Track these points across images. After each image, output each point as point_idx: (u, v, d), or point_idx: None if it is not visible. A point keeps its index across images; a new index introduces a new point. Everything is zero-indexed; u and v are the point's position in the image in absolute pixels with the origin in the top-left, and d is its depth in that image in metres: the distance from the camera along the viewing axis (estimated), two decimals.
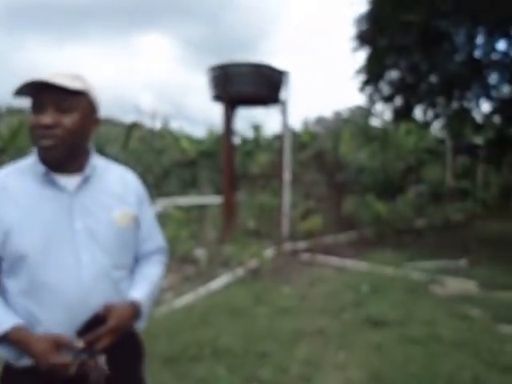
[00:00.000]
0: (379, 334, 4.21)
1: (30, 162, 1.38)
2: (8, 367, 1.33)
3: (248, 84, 9.09)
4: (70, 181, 1.37)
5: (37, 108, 1.30)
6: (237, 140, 22.46)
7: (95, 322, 1.28)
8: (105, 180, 1.46)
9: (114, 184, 1.48)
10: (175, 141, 21.49)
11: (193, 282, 6.38)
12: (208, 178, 20.89)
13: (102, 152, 17.20)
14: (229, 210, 9.93)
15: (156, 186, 19.38)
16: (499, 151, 12.29)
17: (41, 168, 1.34)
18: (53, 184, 1.35)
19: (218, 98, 9.68)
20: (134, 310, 1.39)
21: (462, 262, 7.65)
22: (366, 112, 12.54)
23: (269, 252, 8.27)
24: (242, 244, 7.21)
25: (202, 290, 5.83)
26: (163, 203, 12.72)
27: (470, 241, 9.81)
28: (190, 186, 19.85)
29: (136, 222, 1.49)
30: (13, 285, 1.30)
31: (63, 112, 1.30)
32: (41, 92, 1.28)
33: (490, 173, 17.91)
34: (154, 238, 1.61)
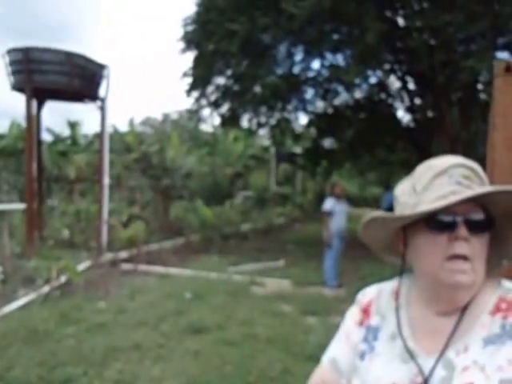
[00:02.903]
0: (198, 341, 4.27)
1: None
2: None
3: (57, 74, 8.27)
4: None
5: None
6: (48, 137, 20.38)
7: None
8: None
9: None
10: None
11: None
12: (10, 181, 18.26)
13: None
14: (33, 218, 8.82)
15: None
16: (314, 160, 14.11)
17: None
18: None
19: (18, 87, 8.57)
20: None
21: (281, 263, 8.47)
22: (194, 116, 12.80)
23: (84, 264, 7.65)
24: (51, 257, 6.49)
25: None
26: None
27: (289, 242, 10.98)
28: None
29: None
30: None
31: None
32: None
33: (307, 179, 20.45)
34: None
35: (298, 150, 19.26)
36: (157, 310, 5.24)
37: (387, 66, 9.76)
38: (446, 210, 0.79)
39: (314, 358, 3.75)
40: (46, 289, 6.04)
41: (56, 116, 44.82)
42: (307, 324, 4.91)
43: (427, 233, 0.82)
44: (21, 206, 11.58)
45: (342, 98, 12.81)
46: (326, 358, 1.00)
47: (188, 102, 20.67)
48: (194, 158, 16.74)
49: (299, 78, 11.67)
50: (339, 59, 11.38)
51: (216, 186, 17.20)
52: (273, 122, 12.94)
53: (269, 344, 4.17)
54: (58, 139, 21.42)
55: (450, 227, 0.80)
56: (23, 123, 11.91)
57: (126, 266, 7.88)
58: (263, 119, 12.78)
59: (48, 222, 10.78)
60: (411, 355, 0.83)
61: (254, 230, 12.39)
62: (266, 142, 21.76)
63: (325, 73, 11.36)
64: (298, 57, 11.76)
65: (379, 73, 10.30)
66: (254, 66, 10.20)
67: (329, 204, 6.88)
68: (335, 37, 10.66)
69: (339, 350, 0.98)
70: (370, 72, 10.14)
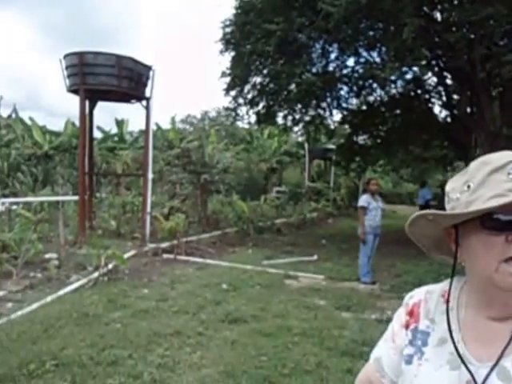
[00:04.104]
0: (235, 331, 4.32)
1: None
2: None
3: (107, 76, 8.51)
4: None
5: None
6: (98, 135, 21.09)
7: None
8: None
9: None
10: (26, 132, 19.12)
11: (40, 289, 5.74)
12: (65, 175, 19.06)
13: None
14: (84, 209, 9.17)
15: (1, 182, 16.96)
16: (348, 156, 13.88)
17: None
18: None
19: (73, 89, 8.88)
20: None
21: (314, 257, 8.40)
22: (231, 114, 12.88)
23: (129, 253, 7.90)
24: (100, 246, 6.73)
25: (49, 298, 5.27)
26: (8, 202, 11.17)
27: (322, 237, 10.88)
28: (42, 182, 17.86)
29: None
30: None
31: None
32: None
33: (340, 175, 20.17)
34: None
35: (331, 146, 19.02)
36: (196, 299, 5.33)
37: (424, 62, 9.41)
38: (504, 208, 0.70)
39: (349, 354, 3.72)
40: (95, 275, 6.29)
41: (105, 114, 46.38)
42: (341, 319, 4.84)
43: (482, 233, 0.74)
44: (74, 198, 12.09)
45: (377, 94, 12.51)
46: (372, 356, 0.97)
47: (225, 101, 20.83)
48: (230, 153, 16.87)
49: (334, 75, 11.49)
50: (374, 56, 11.15)
51: (251, 181, 17.27)
52: (307, 118, 12.84)
53: (303, 337, 4.15)
54: (106, 136, 22.13)
55: (508, 227, 0.72)
56: (77, 122, 12.36)
57: (166, 256, 8.05)
58: (298, 116, 12.71)
59: (97, 213, 11.19)
60: (463, 362, 0.77)
61: (287, 224, 12.36)
62: (300, 139, 21.62)
63: (359, 70, 11.13)
64: (333, 55, 11.61)
65: (415, 68, 9.96)
66: (290, 65, 10.13)
67: (364, 200, 6.73)
68: (370, 34, 10.42)
69: (385, 350, 0.94)
70: (405, 68, 9.82)
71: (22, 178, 17.66)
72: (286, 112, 12.38)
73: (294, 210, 13.98)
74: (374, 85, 11.65)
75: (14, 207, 10.59)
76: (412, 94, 11.74)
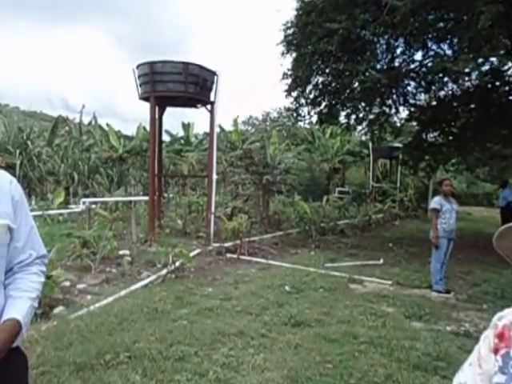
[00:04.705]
0: (298, 334, 4.23)
1: None
2: None
3: (175, 83, 8.81)
4: None
5: None
6: (167, 138, 22.05)
7: None
8: None
9: None
10: (104, 137, 20.50)
11: (115, 284, 6.07)
12: (136, 176, 20.14)
13: (25, 147, 15.90)
14: (155, 209, 9.59)
15: (82, 183, 18.32)
16: (416, 155, 13.17)
17: None
18: None
19: (145, 96, 9.32)
20: (14, 333, 1.27)
21: (380, 261, 8.06)
22: (292, 114, 12.78)
23: (195, 252, 8.12)
24: (168, 244, 6.99)
25: (123, 292, 5.55)
26: (88, 201, 12.01)
27: (389, 240, 10.42)
28: (117, 183, 19.02)
29: (9, 233, 1.32)
30: None
31: None
32: None
33: (407, 175, 19.25)
34: (34, 246, 1.44)
35: (397, 144, 18.22)
36: (258, 300, 5.32)
37: (503, 51, 8.64)
38: None
39: (421, 368, 3.47)
40: (163, 272, 6.53)
41: (172, 119, 48.50)
42: (412, 329, 4.53)
43: None
44: (144, 198, 12.72)
45: (448, 88, 11.74)
46: (456, 381, 0.87)
47: (287, 101, 20.73)
48: (292, 154, 16.78)
49: (400, 70, 10.97)
50: (445, 48, 10.49)
51: (313, 182, 17.05)
52: (371, 117, 12.39)
53: (370, 346, 3.95)
54: (174, 139, 23.06)
55: None
56: (148, 127, 12.97)
57: (230, 256, 8.16)
58: (361, 115, 12.31)
59: (165, 213, 11.66)
60: None
61: (351, 226, 12.01)
62: (364, 138, 20.96)
63: (428, 64, 10.52)
64: (399, 50, 11.10)
65: (493, 59, 9.17)
66: (353, 63, 9.84)
67: (436, 202, 6.28)
68: (440, 25, 9.81)
69: (471, 375, 0.84)
70: (481, 59, 9.08)
71: (100, 179, 18.93)
72: (349, 111, 12.04)
73: (358, 211, 13.55)
74: (445, 78, 10.95)
75: (93, 206, 11.38)
76: (489, 86, 10.83)
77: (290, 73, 11.24)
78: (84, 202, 12.44)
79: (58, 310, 4.84)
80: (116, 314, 4.57)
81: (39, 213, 11.27)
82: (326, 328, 4.43)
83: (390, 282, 6.49)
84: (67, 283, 5.73)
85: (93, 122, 22.37)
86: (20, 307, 1.32)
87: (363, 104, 11.71)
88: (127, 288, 5.74)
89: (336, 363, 3.60)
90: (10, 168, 15.82)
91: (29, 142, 17.92)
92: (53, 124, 19.93)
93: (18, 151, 16.83)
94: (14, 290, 1.36)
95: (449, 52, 10.20)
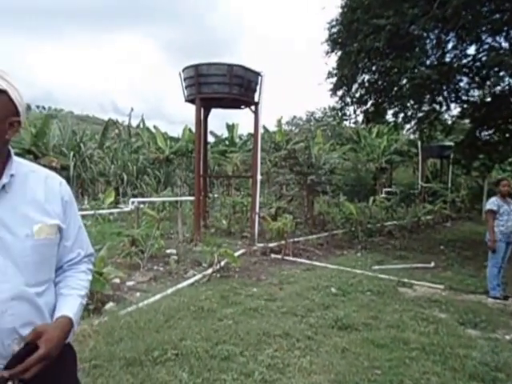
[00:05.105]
0: (345, 338, 4.11)
1: None
2: None
3: (220, 84, 8.90)
4: None
5: None
6: (211, 139, 22.39)
7: (26, 351, 1.19)
8: (26, 187, 1.31)
9: (36, 191, 1.32)
10: (151, 139, 21.17)
11: (162, 282, 6.21)
12: (182, 177, 20.62)
13: (78, 149, 16.83)
14: (200, 209, 9.74)
15: (131, 183, 19.03)
16: (470, 153, 12.49)
17: None
18: None
19: (190, 99, 9.49)
20: (66, 330, 1.30)
21: (431, 264, 7.71)
22: (337, 113, 12.53)
23: (239, 252, 8.16)
24: (213, 243, 7.06)
25: (170, 290, 5.67)
26: (136, 201, 12.43)
27: (440, 243, 9.96)
28: (164, 184, 19.57)
29: (59, 232, 1.36)
30: None
31: None
32: None
33: (459, 175, 18.33)
34: (82, 245, 1.49)
35: (448, 143, 17.39)
36: (304, 301, 5.24)
37: None
38: None
39: (478, 379, 3.26)
40: (209, 271, 6.60)
41: (217, 120, 49.29)
42: (467, 337, 4.27)
43: None
44: (190, 198, 12.98)
45: (505, 83, 11.02)
46: None
47: (332, 101, 20.42)
48: (337, 154, 16.48)
49: (451, 66, 10.45)
50: (501, 41, 9.86)
51: (359, 182, 16.65)
52: (420, 115, 11.89)
53: (422, 353, 3.76)
54: (218, 140, 23.39)
55: None
56: (193, 128, 13.22)
57: (274, 256, 8.12)
58: (410, 113, 11.85)
59: (210, 213, 11.83)
60: None
61: (399, 227, 11.58)
62: (412, 136, 20.19)
63: (482, 58, 9.95)
64: (450, 44, 10.57)
65: None
66: (401, 59, 9.48)
67: (493, 203, 5.90)
68: (496, 17, 9.23)
69: None
70: None
71: (148, 180, 19.57)
72: (396, 109, 11.62)
73: (407, 212, 13.05)
74: (501, 73, 10.30)
75: (142, 206, 11.76)
76: None
77: (335, 71, 11.04)
78: (133, 202, 12.90)
79: (109, 305, 5.01)
80: (163, 312, 4.66)
81: (91, 212, 11.82)
82: (375, 332, 4.27)
83: (442, 287, 6.17)
84: (117, 280, 5.92)
85: (141, 125, 23.18)
86: (71, 305, 1.36)
87: (412, 102, 11.26)
88: (174, 286, 5.85)
89: (385, 369, 3.46)
90: (64, 169, 16.74)
91: (82, 145, 18.86)
92: (103, 127, 20.85)
93: (71, 153, 17.76)
94: (64, 288, 1.40)
95: (505, 45, 9.59)
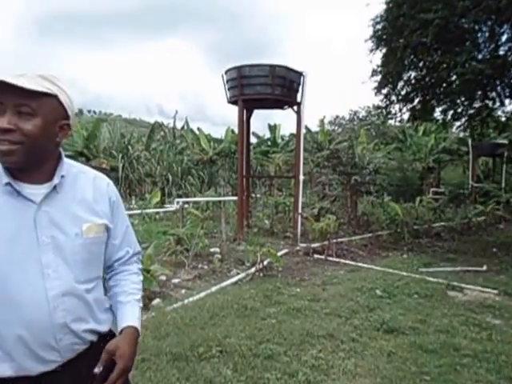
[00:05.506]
0: (391, 341, 3.98)
1: None
2: None
3: (262, 85, 8.92)
4: (37, 190, 1.26)
5: None
6: (254, 140, 22.51)
7: (106, 370, 1.27)
8: (75, 188, 1.35)
9: (85, 192, 1.36)
10: (195, 141, 21.59)
11: (206, 280, 6.32)
12: (225, 177, 20.89)
13: (126, 151, 17.52)
14: (243, 209, 9.82)
15: (176, 184, 19.54)
16: None
17: (4, 177, 1.23)
18: (18, 194, 1.24)
19: (233, 100, 9.58)
20: (134, 340, 1.38)
21: (483, 268, 7.30)
22: (382, 112, 12.19)
23: (282, 252, 8.14)
24: (256, 243, 7.09)
25: (214, 288, 5.75)
26: (181, 201, 12.73)
27: (492, 245, 9.43)
28: (208, 184, 19.92)
29: (108, 231, 1.41)
30: None
31: (23, 115, 1.18)
32: (1, 93, 1.17)
33: None
34: (130, 244, 1.53)
35: (502, 141, 16.45)
36: (348, 303, 5.14)
37: None
38: None
39: None
40: (252, 270, 6.63)
41: (259, 121, 49.62)
42: None
43: None
44: (233, 198, 13.11)
45: None
46: None
47: (375, 99, 19.93)
48: (381, 153, 16.05)
49: (506, 59, 9.86)
50: None
51: (405, 182, 16.10)
52: (471, 111, 11.32)
53: (474, 360, 3.58)
54: (261, 141, 23.47)
55: None
56: (236, 130, 13.38)
57: (317, 257, 8.03)
58: (460, 110, 11.30)
59: (253, 213, 11.88)
60: None
61: (448, 228, 11.09)
62: (462, 134, 19.27)
63: None
64: (504, 37, 9.97)
65: None
66: (451, 54, 9.07)
67: None
68: None
69: None
70: None
71: (192, 180, 20.00)
72: (445, 106, 11.12)
73: (456, 213, 12.47)
74: None
75: (186, 206, 12.04)
76: None
77: (379, 69, 10.75)
78: (178, 202, 13.21)
79: (156, 302, 5.16)
80: (208, 309, 4.74)
81: (138, 211, 12.24)
82: (422, 337, 4.11)
83: (495, 291, 5.82)
84: (163, 277, 6.09)
85: (185, 127, 23.69)
86: (132, 313, 1.43)
87: (462, 98, 10.73)
88: (218, 284, 5.94)
89: (434, 375, 3.32)
90: (113, 171, 17.46)
91: (129, 147, 19.56)
92: (150, 129, 21.50)
93: (120, 155, 18.46)
94: (121, 295, 1.45)
95: None
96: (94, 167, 1.54)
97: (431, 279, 6.31)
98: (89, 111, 53.03)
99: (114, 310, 1.45)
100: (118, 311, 1.43)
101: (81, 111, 41.48)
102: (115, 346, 1.30)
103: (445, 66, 9.31)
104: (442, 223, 11.62)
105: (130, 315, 1.42)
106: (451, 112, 11.24)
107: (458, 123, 12.54)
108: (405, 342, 3.97)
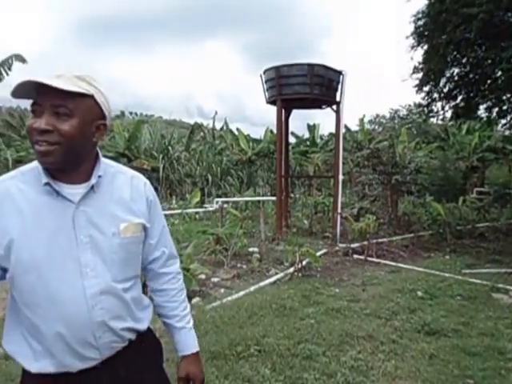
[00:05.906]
0: (433, 344, 3.89)
1: (34, 169, 1.27)
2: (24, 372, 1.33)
3: (300, 85, 8.88)
4: (75, 190, 1.26)
5: (34, 111, 1.19)
6: (293, 140, 22.43)
7: None
8: (113, 188, 1.36)
9: (122, 192, 1.37)
10: (234, 141, 21.81)
11: (245, 279, 6.40)
12: (264, 177, 20.97)
13: (166, 152, 17.97)
14: (282, 209, 9.84)
15: (215, 184, 19.85)
16: None
17: (44, 177, 1.23)
18: (57, 194, 1.23)
19: (272, 100, 9.60)
20: (200, 362, 1.55)
21: None
22: (424, 110, 11.80)
23: (321, 252, 8.09)
24: (295, 243, 7.09)
25: (252, 287, 5.81)
26: (221, 201, 12.94)
27: None
28: (247, 184, 20.08)
29: (145, 231, 1.41)
30: (17, 296, 1.28)
31: (60, 116, 1.18)
32: (39, 94, 1.18)
33: None
34: (166, 244, 1.53)
35: None
36: (388, 304, 5.05)
37: None
38: None
39: None
40: (290, 270, 6.65)
41: (298, 121, 49.39)
42: None
43: None
44: (272, 198, 13.17)
45: None
46: None
47: (417, 97, 19.25)
48: (423, 152, 15.54)
49: None
50: None
51: (447, 181, 15.48)
52: None
53: None
54: (299, 141, 23.35)
55: None
56: (274, 130, 13.39)
57: (356, 257, 7.92)
58: (506, 107, 10.76)
59: (292, 213, 11.87)
60: None
61: (492, 229, 10.58)
62: (507, 132, 18.29)
63: None
64: None
65: None
66: (496, 49, 8.66)
67: None
68: None
69: None
70: None
71: (231, 180, 20.24)
72: (490, 103, 10.64)
73: (501, 214, 11.88)
74: None
75: (225, 206, 12.22)
76: None
77: (421, 66, 10.43)
78: (217, 202, 13.45)
79: (196, 300, 5.27)
80: (246, 308, 4.78)
81: (179, 211, 12.54)
82: (465, 340, 3.99)
83: None
84: (203, 276, 6.19)
85: (224, 127, 23.98)
86: (190, 339, 1.54)
87: (508, 95, 10.23)
88: (256, 284, 5.99)
89: (478, 379, 3.22)
90: (154, 171, 17.94)
91: (170, 148, 20.02)
92: (190, 130, 21.91)
93: (161, 156, 18.92)
94: (174, 318, 1.52)
95: None
96: (136, 168, 1.59)
97: (475, 281, 6.08)
98: (130, 113, 54.41)
99: (167, 327, 1.55)
100: (174, 335, 1.54)
101: (122, 113, 42.68)
102: (186, 373, 1.49)
103: (489, 61, 8.90)
104: (487, 224, 11.11)
105: (190, 342, 1.53)
106: (496, 109, 10.76)
107: (503, 121, 11.97)
108: (447, 345, 3.87)
